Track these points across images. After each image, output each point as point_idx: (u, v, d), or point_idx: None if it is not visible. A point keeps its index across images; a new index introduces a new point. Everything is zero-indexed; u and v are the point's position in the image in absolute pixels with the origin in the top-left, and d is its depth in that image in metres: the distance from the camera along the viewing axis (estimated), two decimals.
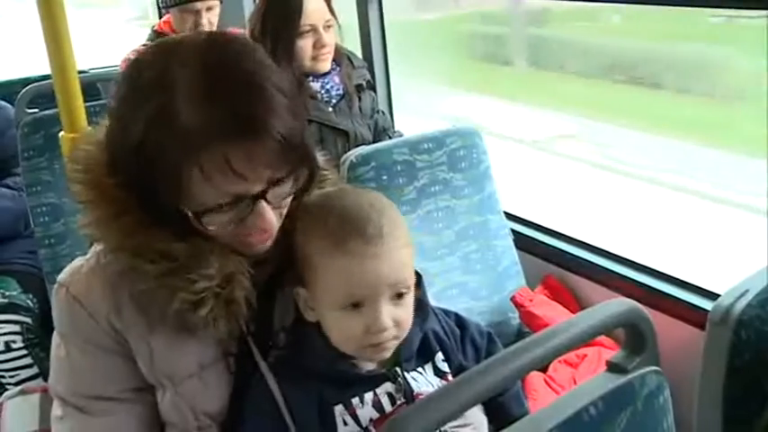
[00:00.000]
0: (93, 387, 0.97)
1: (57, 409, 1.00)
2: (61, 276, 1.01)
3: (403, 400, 0.98)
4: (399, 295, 0.96)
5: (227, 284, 0.94)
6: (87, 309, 0.96)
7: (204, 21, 2.89)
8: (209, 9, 2.90)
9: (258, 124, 0.86)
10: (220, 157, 0.85)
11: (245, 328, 0.98)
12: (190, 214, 0.90)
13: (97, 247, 1.00)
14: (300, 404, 0.96)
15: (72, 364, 0.98)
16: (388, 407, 0.97)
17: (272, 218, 0.93)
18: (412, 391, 0.98)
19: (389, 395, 0.98)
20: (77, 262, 1.02)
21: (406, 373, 1.00)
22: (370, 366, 1.00)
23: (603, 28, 4.92)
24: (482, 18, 6.10)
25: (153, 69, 0.89)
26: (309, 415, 0.96)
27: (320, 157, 1.09)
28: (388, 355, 0.98)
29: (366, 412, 0.96)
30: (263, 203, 0.91)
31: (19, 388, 1.25)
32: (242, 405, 0.98)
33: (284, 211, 0.97)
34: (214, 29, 2.79)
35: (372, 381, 0.98)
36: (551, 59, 5.20)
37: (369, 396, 0.97)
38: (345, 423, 0.96)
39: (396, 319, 0.95)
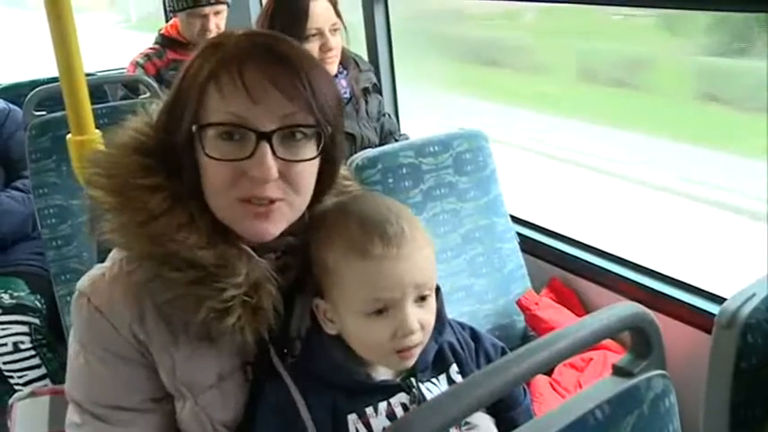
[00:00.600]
0: (114, 397, 0.97)
1: (74, 416, 1.00)
2: (81, 285, 0.99)
3: None
4: (423, 298, 0.96)
5: (254, 292, 0.93)
6: (110, 319, 0.95)
7: (212, 25, 2.91)
8: (216, 13, 2.91)
9: (280, 52, 0.92)
10: (236, 71, 0.89)
11: (266, 336, 0.97)
12: (194, 129, 0.91)
13: (119, 255, 0.98)
14: (315, 411, 0.95)
15: (92, 374, 0.97)
16: None
17: (272, 169, 0.90)
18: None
19: (403, 405, 0.98)
20: (97, 270, 1.00)
21: (420, 384, 0.99)
22: (384, 376, 0.99)
23: (517, 25, 5.91)
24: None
25: (206, 43, 0.98)
26: (324, 423, 0.95)
27: (343, 169, 1.10)
28: (412, 362, 0.97)
29: (380, 422, 0.96)
30: (267, 149, 0.90)
31: (29, 390, 1.25)
32: (255, 410, 0.98)
33: (298, 194, 0.95)
34: None
35: (387, 391, 0.98)
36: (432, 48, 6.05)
37: (383, 406, 0.97)
38: None
39: (422, 322, 0.95)
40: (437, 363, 1.03)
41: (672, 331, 1.75)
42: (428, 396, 0.98)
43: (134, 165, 0.95)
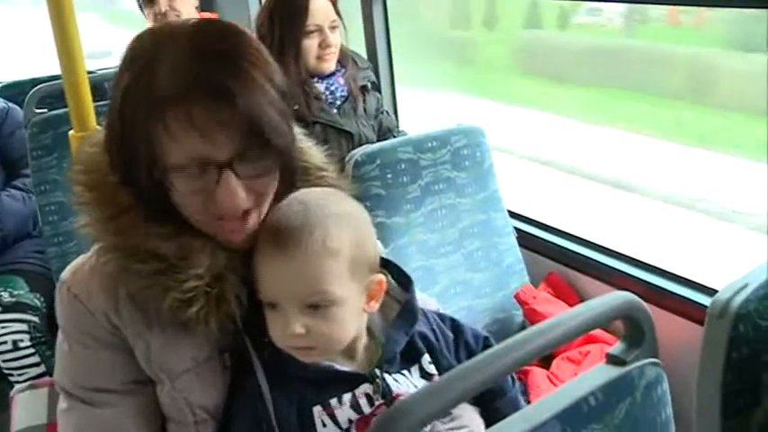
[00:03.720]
0: (95, 380, 1.00)
1: (62, 402, 1.03)
2: (63, 274, 1.03)
3: (381, 400, 0.98)
4: (315, 306, 0.95)
5: (216, 283, 0.95)
6: (87, 306, 0.99)
7: (163, 8, 2.89)
8: None
9: (222, 88, 0.89)
10: (183, 114, 0.88)
11: (240, 325, 0.99)
12: (156, 174, 0.92)
13: (96, 246, 1.01)
14: (281, 405, 0.97)
15: (75, 358, 1.01)
16: (366, 408, 0.97)
17: (240, 194, 0.92)
18: (391, 391, 0.98)
19: (367, 396, 0.98)
20: (80, 260, 1.04)
21: (386, 375, 1.00)
22: (348, 367, 1.00)
23: None
24: None
25: (143, 46, 0.94)
26: (288, 416, 0.96)
27: (319, 155, 1.11)
28: (312, 359, 0.98)
29: (344, 413, 0.97)
30: (231, 176, 0.92)
31: (29, 383, 1.27)
32: (232, 401, 1.00)
33: (266, 200, 0.97)
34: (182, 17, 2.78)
35: (350, 381, 0.99)
36: None
37: (347, 397, 0.98)
38: (324, 424, 0.96)
39: (311, 328, 0.95)
40: (407, 354, 1.03)
41: (668, 324, 1.77)
42: (394, 387, 0.99)
43: (105, 162, 0.98)
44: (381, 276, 1.03)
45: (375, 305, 1.02)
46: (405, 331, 1.03)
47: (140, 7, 3.01)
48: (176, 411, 1.00)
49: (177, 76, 0.89)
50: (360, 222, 1.01)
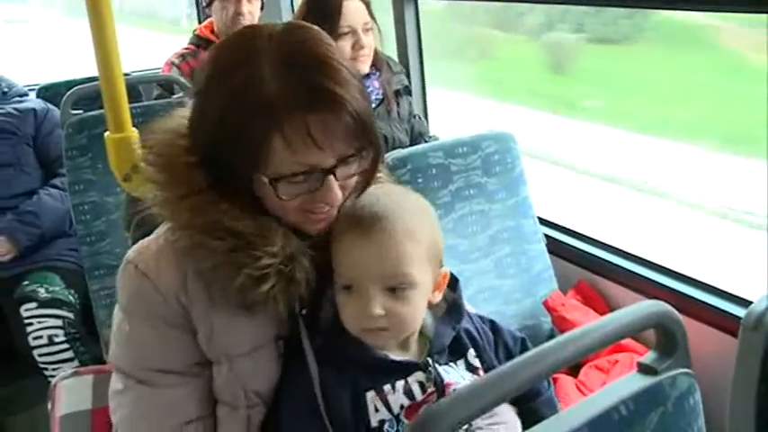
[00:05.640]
0: (159, 360, 1.01)
1: (117, 383, 1.04)
2: (129, 254, 1.05)
3: (433, 388, 1.01)
4: (393, 289, 1.00)
5: (289, 263, 0.98)
6: (156, 285, 1.01)
7: (244, 10, 2.92)
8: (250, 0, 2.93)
9: (335, 97, 0.93)
10: (302, 126, 0.92)
11: (297, 309, 1.02)
12: (265, 180, 0.95)
13: (164, 228, 1.04)
14: (335, 389, 1.00)
15: (137, 339, 1.02)
16: (418, 394, 1.01)
17: (338, 193, 0.98)
18: (442, 380, 1.02)
19: (420, 384, 1.02)
20: (144, 242, 1.06)
21: (437, 365, 1.03)
22: (402, 357, 1.04)
23: None
24: None
25: (236, 49, 0.98)
26: (342, 400, 0.99)
27: None
28: (382, 342, 1.02)
29: (397, 399, 1.00)
30: (332, 179, 0.97)
31: (72, 370, 1.29)
32: (283, 387, 1.02)
33: (348, 193, 1.02)
34: (255, 22, 2.82)
35: (405, 369, 1.02)
36: None
37: (400, 384, 1.01)
38: (377, 409, 0.99)
39: (389, 310, 0.99)
40: (454, 348, 1.08)
41: (699, 334, 1.74)
42: (444, 377, 1.02)
43: (179, 146, 1.02)
44: (447, 269, 1.09)
45: (439, 295, 1.08)
46: (452, 327, 1.08)
47: (206, 5, 3.04)
48: (230, 395, 1.02)
49: (286, 82, 0.93)
50: (432, 215, 1.09)
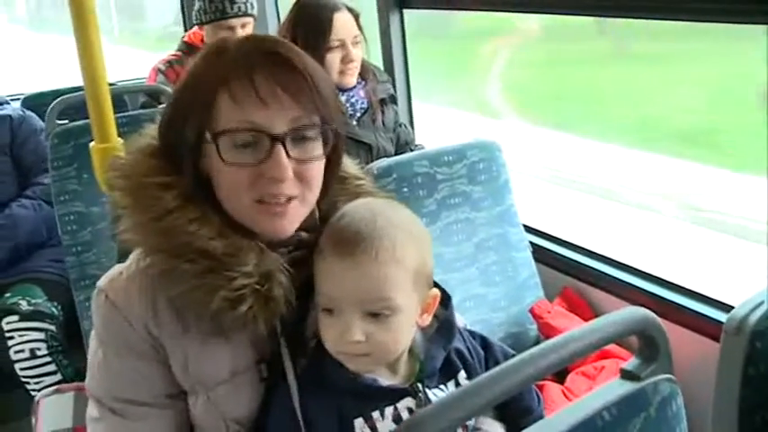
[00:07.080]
0: (129, 391, 0.99)
1: (93, 410, 1.02)
2: (101, 282, 1.03)
3: None
4: (375, 315, 0.96)
5: (265, 281, 0.95)
6: (125, 314, 0.99)
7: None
8: (243, 26, 2.94)
9: (287, 59, 0.96)
10: (247, 81, 0.93)
11: (278, 329, 1.00)
12: (209, 138, 0.96)
13: (135, 253, 1.02)
14: (319, 416, 0.97)
15: (109, 368, 1.01)
16: None
17: (288, 172, 0.96)
18: None
19: (409, 410, 0.99)
20: (117, 268, 1.04)
21: (427, 390, 1.00)
22: (390, 381, 1.00)
23: None
24: None
25: (208, 52, 1.02)
26: (328, 427, 0.97)
27: (354, 165, 1.14)
28: (363, 368, 0.98)
29: (386, 426, 0.97)
30: (282, 151, 0.95)
31: (54, 387, 1.28)
32: (267, 413, 1.00)
33: (310, 190, 1.00)
34: None
35: (394, 395, 0.99)
36: None
37: (389, 410, 0.98)
38: None
39: (370, 336, 0.95)
40: (445, 370, 1.04)
41: (683, 340, 1.76)
42: (434, 401, 0.99)
43: (147, 166, 1.00)
44: (437, 291, 1.04)
45: (427, 319, 1.04)
46: (443, 346, 1.04)
47: (197, 23, 3.03)
48: (209, 423, 1.00)
49: (241, 53, 0.97)
50: (422, 235, 1.03)
